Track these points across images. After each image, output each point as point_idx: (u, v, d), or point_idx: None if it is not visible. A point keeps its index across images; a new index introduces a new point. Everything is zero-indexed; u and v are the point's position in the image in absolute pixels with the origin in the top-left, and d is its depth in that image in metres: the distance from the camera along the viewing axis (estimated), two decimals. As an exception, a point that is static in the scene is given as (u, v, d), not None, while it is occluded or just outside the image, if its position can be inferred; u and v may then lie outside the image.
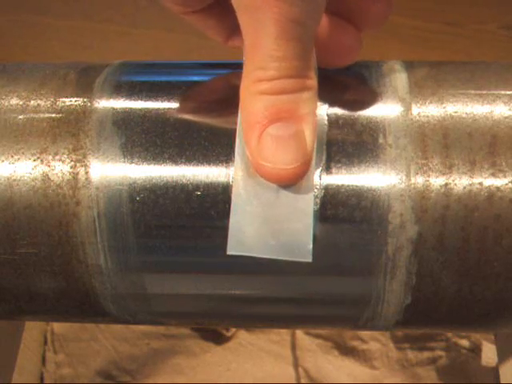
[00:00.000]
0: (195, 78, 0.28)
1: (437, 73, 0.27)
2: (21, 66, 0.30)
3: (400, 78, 0.27)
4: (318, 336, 0.69)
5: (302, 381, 0.67)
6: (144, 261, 0.26)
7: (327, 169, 0.25)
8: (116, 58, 0.30)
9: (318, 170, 0.25)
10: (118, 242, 0.26)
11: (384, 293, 0.26)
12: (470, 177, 0.24)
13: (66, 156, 0.26)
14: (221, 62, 0.30)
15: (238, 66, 0.26)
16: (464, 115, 0.25)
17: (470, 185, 0.24)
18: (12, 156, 0.26)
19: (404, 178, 0.25)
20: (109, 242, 0.26)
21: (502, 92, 0.26)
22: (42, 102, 0.27)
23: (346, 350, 0.69)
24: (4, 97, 0.28)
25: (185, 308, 0.29)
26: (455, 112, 0.25)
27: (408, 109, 0.26)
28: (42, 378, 0.68)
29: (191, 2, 0.26)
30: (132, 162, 0.26)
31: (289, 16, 0.22)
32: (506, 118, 0.25)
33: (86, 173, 0.26)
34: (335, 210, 0.25)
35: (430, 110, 0.26)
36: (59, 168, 0.26)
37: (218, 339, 0.70)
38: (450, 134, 0.25)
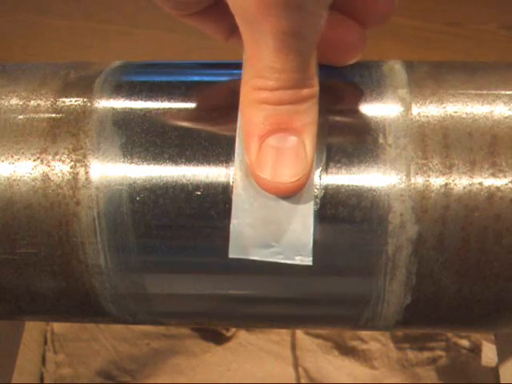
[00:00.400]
0: (195, 78, 0.28)
1: (437, 73, 0.27)
2: (21, 66, 0.30)
3: (400, 78, 0.27)
4: (318, 336, 0.69)
5: (302, 381, 0.67)
6: (144, 261, 0.26)
7: (327, 169, 0.25)
8: (116, 58, 0.30)
9: (318, 170, 0.25)
10: (118, 242, 0.26)
11: (384, 293, 0.26)
12: (470, 177, 0.24)
13: (66, 156, 0.26)
14: (221, 62, 0.30)
15: (237, 66, 0.26)
16: (464, 115, 0.25)
17: (470, 185, 0.24)
18: (12, 156, 0.26)
19: (404, 177, 0.25)
20: (109, 242, 0.26)
21: (502, 92, 0.26)
22: (41, 102, 0.27)
23: (346, 350, 0.69)
24: (4, 97, 0.28)
25: (185, 308, 0.29)
26: (455, 112, 0.25)
27: (408, 109, 0.26)
28: (42, 378, 0.68)
29: (187, 5, 0.26)
30: (132, 162, 0.26)
31: (287, 30, 0.21)
32: (506, 117, 0.25)
33: (86, 173, 0.26)
34: (335, 210, 0.25)
35: (430, 110, 0.26)
36: (59, 168, 0.26)
37: (218, 339, 0.70)
38: (450, 133, 0.25)
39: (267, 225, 0.24)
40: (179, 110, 0.26)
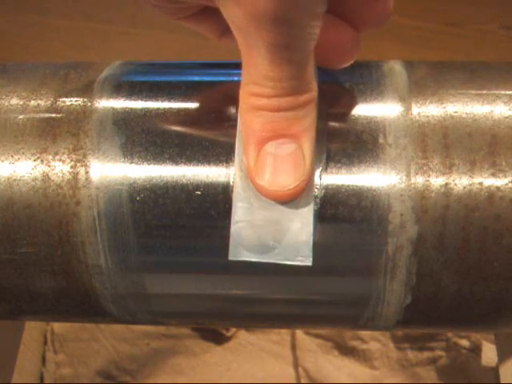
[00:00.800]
0: (195, 78, 0.28)
1: (437, 73, 0.27)
2: (21, 66, 0.30)
3: (400, 78, 0.27)
4: (318, 336, 0.69)
5: (302, 381, 0.67)
6: (144, 261, 0.26)
7: (327, 169, 0.25)
8: (116, 58, 0.30)
9: (318, 170, 0.25)
10: (118, 242, 0.26)
11: (384, 293, 0.26)
12: (470, 177, 0.24)
13: (66, 156, 0.26)
14: (221, 62, 0.30)
15: (237, 66, 0.26)
16: (464, 115, 0.25)
17: (470, 185, 0.24)
18: (12, 156, 0.26)
19: (404, 177, 0.25)
20: (109, 242, 0.26)
21: (502, 92, 0.26)
22: (42, 102, 0.27)
23: (346, 350, 0.69)
24: (4, 97, 0.28)
25: (185, 308, 0.29)
26: (455, 112, 0.25)
27: (408, 109, 0.26)
28: (42, 378, 0.68)
29: (180, 10, 0.26)
30: (132, 162, 0.26)
31: (278, 43, 0.21)
32: (506, 117, 0.25)
33: (86, 173, 0.26)
34: (335, 209, 0.25)
35: (430, 110, 0.26)
36: (59, 168, 0.26)
37: (218, 339, 0.70)
38: (450, 133, 0.25)
39: (267, 225, 0.24)
40: (179, 110, 0.26)
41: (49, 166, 0.26)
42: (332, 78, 0.27)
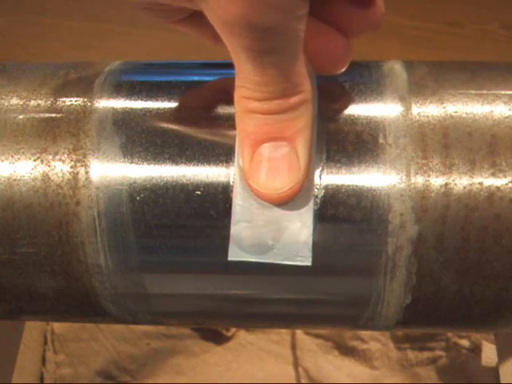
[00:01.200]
0: (195, 78, 0.28)
1: (437, 73, 0.27)
2: (21, 66, 0.30)
3: (400, 78, 0.27)
4: (318, 336, 0.69)
5: (302, 381, 0.67)
6: (144, 261, 0.26)
7: (327, 169, 0.25)
8: (116, 58, 0.30)
9: (318, 170, 0.25)
10: (118, 242, 0.26)
11: (384, 293, 0.26)
12: (470, 177, 0.24)
13: (66, 156, 0.26)
14: (220, 62, 0.30)
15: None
16: (464, 115, 0.25)
17: (470, 185, 0.24)
18: (12, 156, 0.26)
19: (404, 177, 0.25)
20: (109, 242, 0.26)
21: (502, 92, 0.26)
22: (41, 102, 0.27)
23: (346, 350, 0.69)
24: (4, 97, 0.28)
25: (185, 308, 0.29)
26: (455, 112, 0.25)
27: (408, 109, 0.26)
28: (42, 378, 0.68)
29: (170, 14, 0.26)
30: (132, 162, 0.26)
31: (256, 49, 0.21)
32: (506, 117, 0.25)
33: (86, 173, 0.26)
34: (335, 209, 0.25)
35: (429, 110, 0.26)
36: (59, 168, 0.26)
37: (218, 339, 0.70)
38: (449, 133, 0.25)
39: (267, 225, 0.24)
40: (179, 110, 0.26)
41: (49, 165, 0.26)
42: (332, 78, 0.27)
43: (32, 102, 0.27)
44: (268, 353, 0.69)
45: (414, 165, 0.25)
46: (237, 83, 0.23)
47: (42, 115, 0.27)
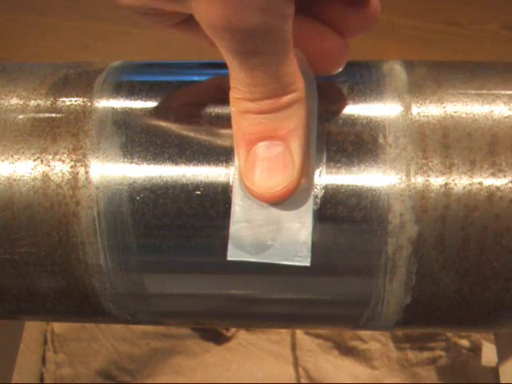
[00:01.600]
0: (195, 78, 0.28)
1: (437, 73, 0.27)
2: (21, 66, 0.30)
3: (400, 78, 0.27)
4: (318, 336, 0.69)
5: (302, 381, 0.67)
6: (144, 261, 0.26)
7: (327, 169, 0.25)
8: (116, 58, 0.30)
9: (318, 170, 0.25)
10: (117, 242, 0.26)
11: (384, 293, 0.26)
12: (470, 176, 0.24)
13: (66, 156, 0.26)
14: (220, 62, 0.30)
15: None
16: (464, 115, 0.25)
17: (470, 185, 0.24)
18: (12, 156, 0.26)
19: (404, 177, 0.25)
20: (109, 242, 0.26)
21: (502, 92, 0.26)
22: (41, 102, 0.27)
23: (346, 350, 0.69)
24: (4, 97, 0.28)
25: (184, 308, 0.29)
26: (455, 112, 0.25)
27: (408, 109, 0.26)
28: (42, 378, 0.68)
29: (164, 18, 0.26)
30: (132, 162, 0.26)
31: (242, 51, 0.21)
32: (506, 117, 0.25)
33: (86, 172, 0.26)
34: (335, 209, 0.25)
35: (429, 110, 0.26)
36: (59, 168, 0.26)
37: (218, 339, 0.70)
38: (449, 133, 0.25)
39: (266, 225, 0.24)
40: (179, 110, 0.26)
41: (49, 165, 0.26)
42: (332, 78, 0.27)
43: (32, 101, 0.27)
44: (268, 353, 0.69)
45: (413, 165, 0.25)
46: (231, 84, 0.23)
47: (41, 115, 0.27)
